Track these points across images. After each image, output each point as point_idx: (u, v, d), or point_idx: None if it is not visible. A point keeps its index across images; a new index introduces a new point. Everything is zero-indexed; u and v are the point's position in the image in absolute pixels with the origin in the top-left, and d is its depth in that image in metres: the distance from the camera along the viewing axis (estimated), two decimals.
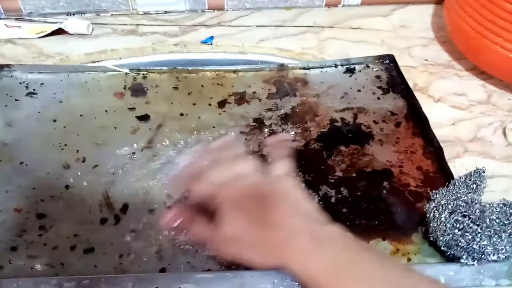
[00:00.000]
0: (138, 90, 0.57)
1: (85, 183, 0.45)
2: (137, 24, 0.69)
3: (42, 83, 0.57)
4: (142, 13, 0.72)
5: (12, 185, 0.44)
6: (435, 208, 0.39)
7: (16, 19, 0.69)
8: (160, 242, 0.40)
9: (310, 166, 0.47)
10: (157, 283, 0.35)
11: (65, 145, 0.49)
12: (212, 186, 0.35)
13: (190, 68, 0.60)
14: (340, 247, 0.31)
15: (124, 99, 0.56)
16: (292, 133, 0.51)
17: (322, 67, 0.60)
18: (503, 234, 0.36)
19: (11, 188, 0.44)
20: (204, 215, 0.34)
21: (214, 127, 0.52)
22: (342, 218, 0.42)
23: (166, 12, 0.72)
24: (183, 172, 0.37)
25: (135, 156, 0.48)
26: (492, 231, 0.36)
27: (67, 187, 0.44)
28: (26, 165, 0.46)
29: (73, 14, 0.70)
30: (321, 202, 0.43)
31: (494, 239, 0.36)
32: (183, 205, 0.37)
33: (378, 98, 0.56)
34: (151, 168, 0.47)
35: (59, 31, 0.66)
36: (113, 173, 0.46)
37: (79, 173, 0.46)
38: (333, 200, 0.44)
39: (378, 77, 0.59)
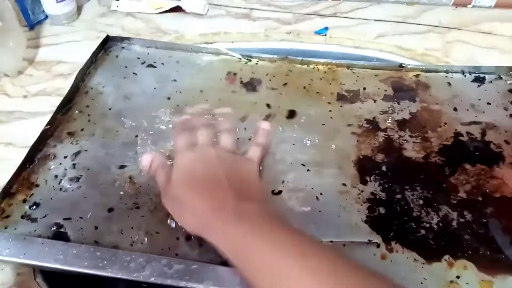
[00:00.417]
0: (249, 77, 0.56)
1: None
2: (251, 8, 0.68)
3: (158, 59, 0.58)
4: None
5: (127, 157, 0.46)
6: None
7: None
8: None
9: (430, 181, 0.43)
10: None
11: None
12: (184, 143, 0.41)
13: (302, 59, 0.58)
14: (256, 223, 0.33)
15: (235, 84, 0.55)
16: (411, 142, 0.47)
17: (447, 72, 0.55)
18: None
19: (126, 160, 0.45)
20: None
21: (323, 124, 0.50)
22: (465, 245, 0.38)
23: None
24: (178, 125, 0.44)
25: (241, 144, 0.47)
26: None
27: None
28: (141, 139, 0.48)
29: None
30: (440, 224, 0.40)
31: None
32: (160, 154, 0.44)
33: (511, 115, 0.50)
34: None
35: (176, 9, 0.67)
36: None
37: None
38: (454, 224, 0.40)
39: (511, 90, 0.53)
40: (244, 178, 0.39)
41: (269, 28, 0.64)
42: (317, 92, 0.54)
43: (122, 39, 0.61)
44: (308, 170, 0.45)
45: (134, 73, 0.56)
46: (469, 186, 0.43)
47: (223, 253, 0.33)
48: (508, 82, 0.54)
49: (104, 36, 0.60)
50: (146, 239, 0.38)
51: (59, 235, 0.38)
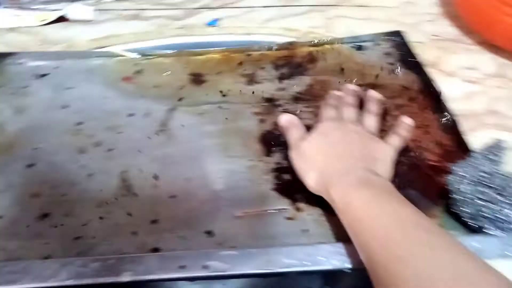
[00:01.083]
0: (146, 74, 0.56)
1: (101, 166, 0.45)
2: (140, 9, 0.68)
3: (50, 70, 0.56)
4: None
5: (28, 170, 0.44)
6: (457, 180, 0.39)
7: (17, 7, 0.68)
8: (184, 224, 0.40)
9: None
10: (183, 261, 0.35)
11: (78, 130, 0.48)
12: (330, 115, 0.45)
13: (197, 50, 0.60)
14: (378, 193, 0.35)
15: (133, 83, 0.55)
16: (306, 112, 0.51)
17: (332, 44, 0.60)
18: None
19: (27, 174, 0.44)
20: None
21: (225, 109, 0.52)
22: None
23: None
24: (329, 98, 0.49)
25: (150, 139, 0.48)
26: None
27: (83, 171, 0.44)
28: (40, 151, 0.46)
29: (75, 0, 0.69)
30: None
31: None
32: (296, 117, 0.47)
33: (390, 74, 0.55)
34: (166, 151, 0.46)
35: (62, 19, 0.65)
36: (130, 157, 0.46)
37: (95, 157, 0.45)
38: None
39: (388, 53, 0.59)
40: (377, 157, 0.40)
41: (161, 26, 0.65)
42: (216, 80, 0.55)
43: (6, 54, 0.58)
44: (220, 151, 0.46)
45: (24, 86, 0.54)
46: None
47: (339, 213, 0.36)
48: (384, 46, 0.60)
49: None
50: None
51: None
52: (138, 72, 0.57)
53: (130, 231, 0.39)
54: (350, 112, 0.46)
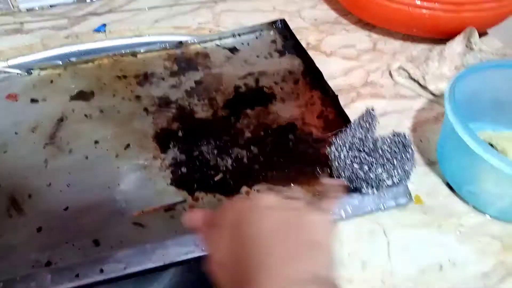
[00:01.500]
0: (33, 89, 0.54)
1: None
2: (21, 22, 0.65)
3: None
4: (25, 10, 0.67)
5: None
6: (335, 149, 0.42)
7: None
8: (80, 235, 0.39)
9: (220, 132, 0.48)
10: (77, 269, 0.34)
11: None
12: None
13: (85, 58, 0.58)
14: None
15: (20, 101, 0.53)
16: (200, 105, 0.52)
17: (220, 39, 0.62)
18: (395, 160, 0.40)
19: None
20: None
21: (118, 112, 0.51)
22: (256, 174, 0.44)
23: (51, 6, 0.68)
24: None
25: (37, 154, 0.46)
26: (385, 159, 0.40)
27: None
28: None
29: None
30: (234, 164, 0.45)
31: (387, 166, 0.40)
32: (204, 212, 0.31)
33: (276, 61, 0.58)
34: (57, 163, 0.45)
35: None
36: (15, 175, 0.44)
37: None
38: (245, 160, 0.45)
39: (273, 41, 0.62)
40: (318, 240, 0.28)
41: (45, 37, 0.62)
42: (108, 85, 0.55)
43: None
44: (116, 156, 0.46)
45: None
46: (252, 126, 0.49)
47: None
48: (270, 34, 0.63)
49: None
50: None
51: None
52: (23, 87, 0.54)
53: (23, 250, 0.38)
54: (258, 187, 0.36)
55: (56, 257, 0.37)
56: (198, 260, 0.36)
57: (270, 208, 0.28)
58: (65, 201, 0.42)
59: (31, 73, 0.57)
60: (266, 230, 0.27)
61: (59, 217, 0.40)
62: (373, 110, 0.46)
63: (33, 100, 0.53)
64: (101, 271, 0.35)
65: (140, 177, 0.44)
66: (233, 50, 0.60)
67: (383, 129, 0.47)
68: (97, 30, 0.64)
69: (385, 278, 0.36)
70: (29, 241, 0.38)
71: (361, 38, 0.62)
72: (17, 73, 0.56)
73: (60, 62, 0.58)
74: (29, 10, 0.67)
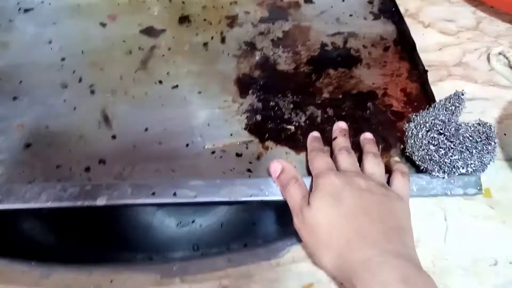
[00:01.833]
0: (131, 13, 0.57)
1: (83, 101, 0.47)
2: None
3: (34, 5, 0.57)
4: None
5: (13, 103, 0.46)
6: (413, 127, 0.41)
7: None
8: (158, 158, 0.43)
9: (299, 88, 0.49)
10: (154, 188, 0.38)
11: (61, 65, 0.50)
12: (325, 165, 0.38)
13: None
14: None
15: (117, 21, 0.56)
16: (283, 57, 0.52)
17: None
18: (474, 150, 0.39)
19: (12, 106, 0.46)
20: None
21: (206, 50, 0.53)
22: (326, 136, 0.45)
23: None
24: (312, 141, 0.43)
25: (128, 77, 0.49)
26: (464, 147, 0.39)
27: (66, 105, 0.46)
28: (26, 84, 0.48)
29: None
30: (307, 122, 0.46)
31: (465, 155, 0.39)
32: (290, 164, 0.39)
33: (369, 23, 0.56)
34: (145, 89, 0.48)
35: None
36: (110, 93, 0.48)
37: (77, 92, 0.48)
38: (319, 119, 0.46)
39: (370, 2, 0.59)
40: (401, 224, 0.34)
41: None
42: (199, 20, 0.56)
43: None
44: (199, 92, 0.48)
45: (10, 20, 0.55)
46: (332, 87, 0.49)
47: None
48: None
49: None
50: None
51: None
52: (123, 10, 0.57)
53: (108, 161, 0.42)
54: (348, 159, 0.39)
55: (136, 174, 0.41)
56: (258, 203, 0.38)
57: (365, 190, 0.34)
58: (146, 123, 0.45)
59: None
60: (364, 208, 0.33)
61: (140, 137, 0.44)
62: (463, 94, 0.44)
63: (130, 24, 0.55)
64: (174, 194, 0.38)
65: (218, 116, 0.46)
66: (326, 5, 0.59)
67: (466, 115, 0.46)
68: None
69: (436, 260, 0.37)
70: (113, 155, 0.43)
71: (465, 13, 0.58)
72: None
73: None
74: None
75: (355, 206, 0.33)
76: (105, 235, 0.52)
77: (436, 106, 0.44)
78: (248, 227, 0.55)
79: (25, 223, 0.43)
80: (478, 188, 0.40)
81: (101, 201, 0.37)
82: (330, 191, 0.34)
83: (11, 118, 0.45)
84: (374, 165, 0.39)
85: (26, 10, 0.56)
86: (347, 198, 0.33)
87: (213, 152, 0.43)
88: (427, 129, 0.40)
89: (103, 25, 0.55)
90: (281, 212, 0.38)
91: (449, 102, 0.44)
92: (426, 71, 0.49)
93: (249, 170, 0.42)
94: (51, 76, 0.49)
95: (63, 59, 0.51)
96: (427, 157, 0.39)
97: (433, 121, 0.41)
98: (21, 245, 0.43)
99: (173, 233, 0.54)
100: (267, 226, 0.55)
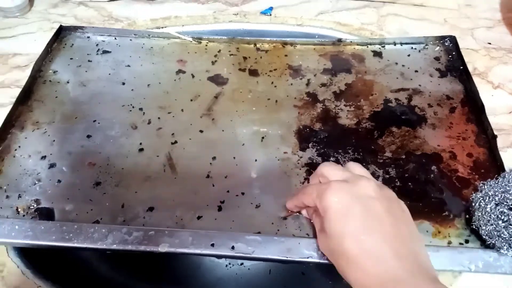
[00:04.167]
0: (198, 58, 0.60)
1: (151, 143, 0.49)
2: None
3: (112, 46, 0.61)
4: None
5: (86, 141, 0.49)
6: (481, 198, 0.40)
7: None
8: (217, 205, 0.44)
9: (360, 144, 0.49)
10: (214, 240, 0.39)
11: (133, 107, 0.53)
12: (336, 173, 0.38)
13: (248, 39, 0.62)
14: None
15: (186, 66, 0.59)
16: (345, 111, 0.52)
17: (381, 44, 0.60)
18: None
19: (86, 144, 0.49)
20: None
21: (268, 99, 0.54)
22: None
23: None
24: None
25: (194, 122, 0.51)
26: None
27: (134, 145, 0.49)
28: (99, 123, 0.51)
29: None
30: None
31: None
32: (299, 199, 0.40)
33: (435, 81, 0.56)
34: (209, 135, 0.50)
35: None
36: (176, 137, 0.50)
37: (146, 134, 0.50)
38: (380, 179, 0.45)
39: (437, 58, 0.59)
40: (418, 237, 0.35)
41: (217, 11, 0.68)
42: (264, 69, 0.58)
43: (75, 28, 0.63)
44: (261, 139, 0.50)
45: (89, 60, 0.59)
46: (395, 147, 0.48)
47: None
48: (434, 50, 0.60)
49: (57, 26, 0.62)
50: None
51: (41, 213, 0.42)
52: (192, 55, 0.60)
53: (170, 205, 0.44)
54: (337, 165, 0.40)
55: (196, 221, 0.42)
56: (308, 265, 0.38)
57: (372, 198, 0.34)
58: (207, 169, 0.47)
59: (200, 42, 0.62)
60: (377, 217, 0.34)
61: (203, 183, 0.46)
62: None
63: (198, 69, 0.58)
64: (232, 248, 0.39)
65: (278, 169, 0.47)
66: (391, 59, 0.59)
67: None
68: (264, 12, 0.67)
69: None
70: (176, 198, 0.44)
71: None
72: (189, 40, 0.62)
73: (225, 38, 0.62)
74: None
75: (378, 220, 0.34)
76: (157, 270, 0.54)
77: (506, 176, 0.42)
78: (296, 276, 0.55)
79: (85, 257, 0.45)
80: None
81: (163, 248, 0.39)
82: (341, 211, 0.34)
83: (84, 156, 0.48)
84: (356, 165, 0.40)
85: (104, 52, 0.60)
86: (358, 212, 0.34)
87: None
88: (496, 203, 0.39)
89: (173, 69, 0.58)
90: (331, 266, 0.37)
91: None
92: (496, 136, 0.47)
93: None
94: (123, 116, 0.52)
95: (134, 100, 0.54)
96: (495, 233, 0.37)
97: (503, 194, 0.39)
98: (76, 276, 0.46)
99: (222, 274, 0.55)
100: (316, 278, 0.54)
